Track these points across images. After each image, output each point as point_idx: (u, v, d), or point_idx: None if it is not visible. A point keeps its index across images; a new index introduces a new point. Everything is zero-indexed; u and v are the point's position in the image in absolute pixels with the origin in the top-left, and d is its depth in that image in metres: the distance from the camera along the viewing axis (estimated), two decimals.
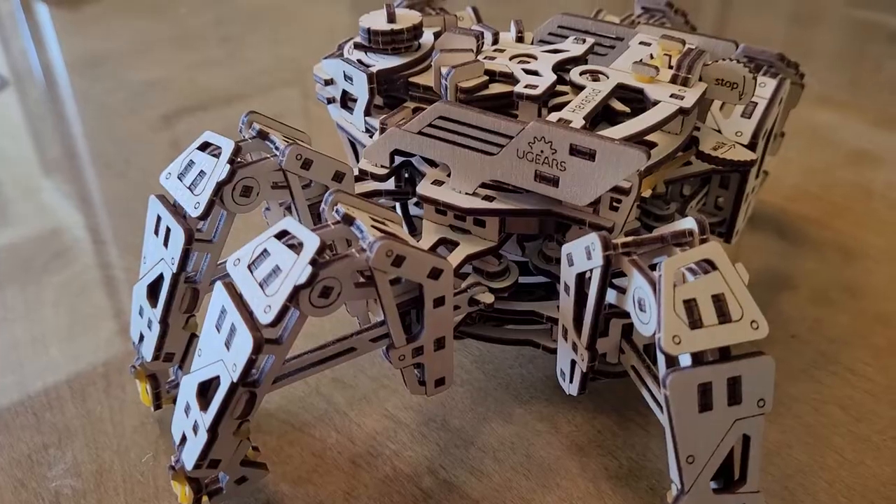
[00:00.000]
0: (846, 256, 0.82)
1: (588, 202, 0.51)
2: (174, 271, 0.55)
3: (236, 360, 0.44)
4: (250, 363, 0.44)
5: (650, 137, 0.56)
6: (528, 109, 0.57)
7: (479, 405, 0.65)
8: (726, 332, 0.42)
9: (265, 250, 0.45)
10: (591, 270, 0.49)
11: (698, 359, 0.43)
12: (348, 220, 0.49)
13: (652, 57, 0.61)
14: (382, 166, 0.59)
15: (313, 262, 0.42)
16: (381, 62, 0.63)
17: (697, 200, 0.69)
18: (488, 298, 0.58)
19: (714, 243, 0.45)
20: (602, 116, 0.57)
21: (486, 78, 0.58)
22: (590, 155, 0.50)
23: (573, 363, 0.55)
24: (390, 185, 0.64)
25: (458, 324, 0.58)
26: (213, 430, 0.47)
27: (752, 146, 0.64)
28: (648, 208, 0.65)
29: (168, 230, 0.55)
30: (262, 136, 0.58)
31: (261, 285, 0.44)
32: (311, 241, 0.43)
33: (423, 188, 0.57)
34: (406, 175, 0.65)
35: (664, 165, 0.57)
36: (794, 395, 0.65)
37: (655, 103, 0.56)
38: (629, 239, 0.48)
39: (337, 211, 0.48)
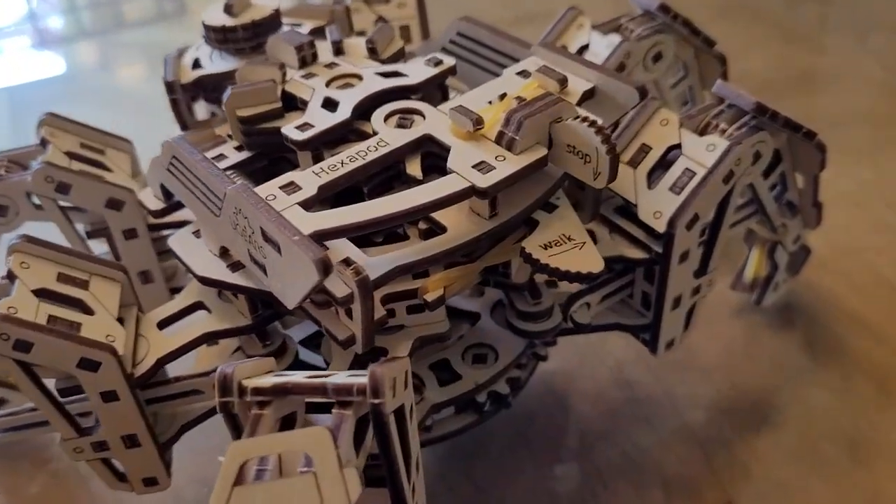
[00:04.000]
0: None
1: (292, 306, 0.38)
2: None
3: None
4: None
5: (442, 217, 0.40)
6: (305, 158, 0.44)
7: None
8: None
9: None
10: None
11: None
12: (11, 277, 0.41)
13: (501, 98, 0.43)
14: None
15: None
16: (219, 64, 0.52)
17: (610, 293, 0.50)
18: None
19: (319, 433, 0.30)
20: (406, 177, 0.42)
21: (276, 106, 0.45)
22: (277, 247, 0.36)
23: None
24: None
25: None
26: None
27: (666, 239, 0.45)
28: (514, 300, 0.48)
29: None
30: (44, 144, 0.50)
31: None
32: None
33: (176, 238, 0.46)
34: None
35: (459, 268, 0.41)
36: None
37: (448, 172, 0.40)
38: (265, 382, 0.34)
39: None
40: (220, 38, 0.52)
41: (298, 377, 0.35)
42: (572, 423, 0.57)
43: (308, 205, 0.39)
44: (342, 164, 0.40)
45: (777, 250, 0.59)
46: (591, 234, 0.48)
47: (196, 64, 0.53)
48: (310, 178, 0.40)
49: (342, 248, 0.39)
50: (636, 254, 0.47)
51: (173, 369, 0.46)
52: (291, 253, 0.35)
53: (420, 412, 0.46)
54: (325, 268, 0.34)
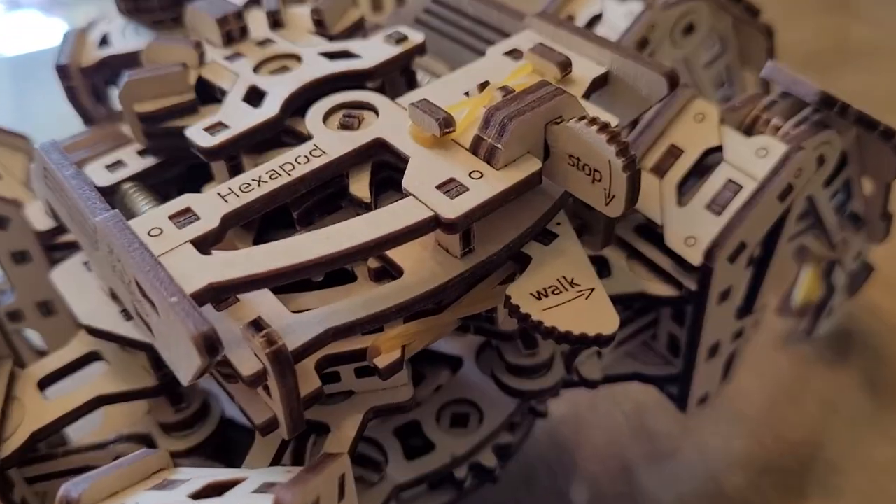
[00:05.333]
0: None
1: (185, 382, 0.27)
2: None
3: None
4: None
5: (399, 255, 0.29)
6: (219, 170, 0.33)
7: None
8: None
9: None
10: None
11: None
12: None
13: (481, 88, 0.32)
14: None
15: None
16: (133, 41, 0.41)
17: (627, 336, 0.39)
18: None
19: None
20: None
21: (187, 98, 0.34)
22: (154, 307, 0.26)
23: None
24: None
25: None
26: None
27: (702, 273, 0.34)
28: (503, 352, 0.37)
29: None
30: None
31: None
32: None
33: (62, 271, 0.36)
34: None
35: (422, 321, 0.30)
36: None
37: (405, 193, 0.29)
38: None
39: None
40: (130, 6, 0.41)
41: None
42: (580, 485, 0.46)
43: (207, 242, 0.28)
44: (259, 181, 0.29)
45: (835, 270, 0.48)
46: (603, 261, 0.37)
47: (105, 41, 0.42)
48: (212, 204, 0.29)
49: (256, 301, 0.28)
50: (661, 290, 0.36)
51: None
52: (169, 320, 0.25)
53: (379, 497, 0.36)
54: (211, 347, 0.24)
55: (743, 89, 0.52)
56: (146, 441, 0.37)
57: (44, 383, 0.35)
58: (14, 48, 0.99)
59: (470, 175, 0.29)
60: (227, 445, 0.39)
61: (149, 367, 0.35)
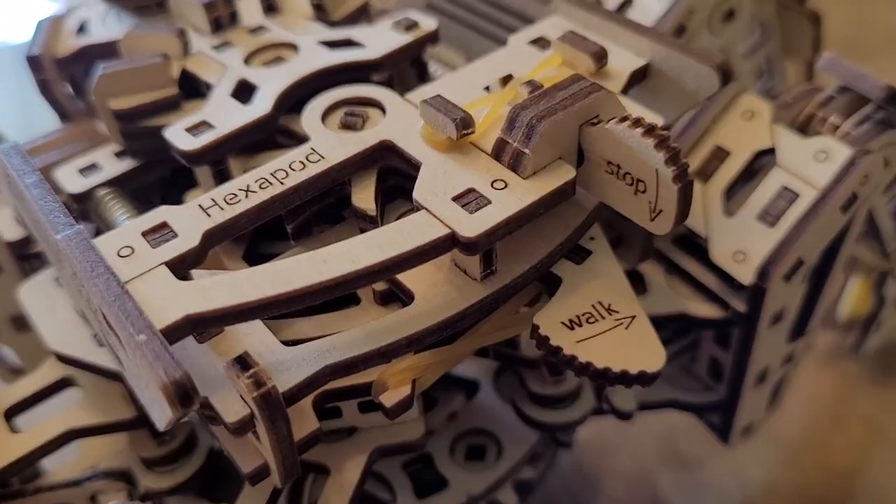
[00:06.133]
0: None
1: (161, 428, 0.23)
2: None
3: None
4: None
5: (409, 279, 0.25)
6: (203, 176, 0.29)
7: None
8: None
9: None
10: None
11: None
12: None
13: (504, 82, 0.28)
14: None
15: None
16: (114, 28, 0.37)
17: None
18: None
19: None
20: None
21: (169, 93, 0.30)
22: (121, 343, 0.22)
23: None
24: None
25: None
26: None
27: (753, 293, 0.30)
28: (525, 379, 0.33)
29: None
30: None
31: None
32: None
33: (31, 287, 0.32)
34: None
35: (434, 351, 0.26)
36: None
37: (416, 207, 0.25)
38: None
39: None
40: None
41: None
42: None
43: (185, 264, 0.24)
44: (247, 191, 0.25)
45: (887, 281, 0.44)
46: (638, 276, 0.33)
47: (83, 29, 0.38)
48: (192, 218, 0.25)
49: (242, 330, 0.24)
50: (705, 311, 0.32)
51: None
52: (136, 361, 0.21)
53: None
54: (184, 397, 0.20)
55: (783, 81, 0.47)
56: (125, 478, 0.33)
57: (11, 413, 0.32)
58: (19, 35, 0.95)
59: (492, 185, 0.24)
60: (218, 476, 0.35)
61: (128, 396, 0.31)
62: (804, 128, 0.34)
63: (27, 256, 0.37)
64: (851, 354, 0.48)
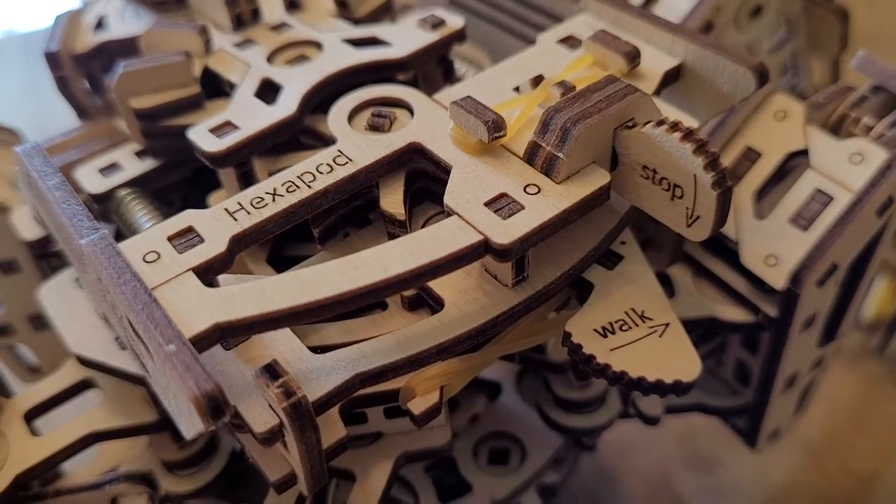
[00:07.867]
0: None
1: (188, 437, 0.23)
2: None
3: None
4: None
5: (439, 286, 0.25)
6: (228, 178, 0.28)
7: None
8: None
9: None
10: None
11: None
12: None
13: (535, 83, 0.27)
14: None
15: None
16: (132, 24, 0.37)
17: None
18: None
19: None
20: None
21: (191, 92, 0.30)
22: (149, 352, 0.21)
23: None
24: None
25: None
26: None
27: (785, 298, 0.29)
28: (551, 383, 0.33)
29: None
30: None
31: None
32: None
33: (51, 288, 0.31)
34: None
35: (463, 358, 0.26)
36: None
37: (446, 212, 0.24)
38: None
39: None
40: None
41: None
42: None
43: (212, 270, 0.23)
44: (274, 195, 0.25)
45: None
46: (665, 279, 0.32)
47: (101, 25, 0.37)
48: (219, 222, 0.24)
49: (270, 337, 0.24)
50: (734, 315, 0.31)
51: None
52: (166, 371, 0.20)
53: None
54: (215, 410, 0.19)
55: (809, 78, 0.47)
56: (146, 480, 0.32)
57: (31, 415, 0.31)
58: (27, 24, 0.94)
59: (525, 190, 0.24)
60: (239, 478, 0.34)
61: (149, 399, 0.30)
62: (836, 128, 0.33)
63: (45, 255, 0.37)
64: (875, 356, 0.47)
